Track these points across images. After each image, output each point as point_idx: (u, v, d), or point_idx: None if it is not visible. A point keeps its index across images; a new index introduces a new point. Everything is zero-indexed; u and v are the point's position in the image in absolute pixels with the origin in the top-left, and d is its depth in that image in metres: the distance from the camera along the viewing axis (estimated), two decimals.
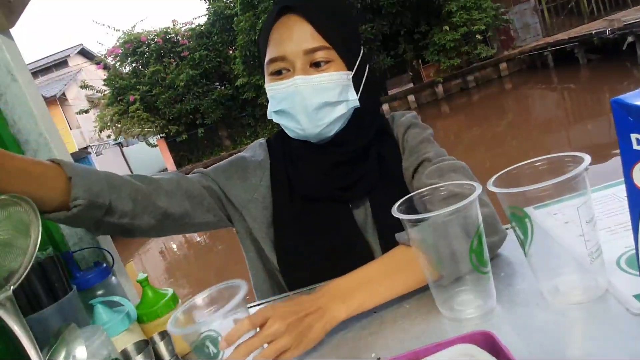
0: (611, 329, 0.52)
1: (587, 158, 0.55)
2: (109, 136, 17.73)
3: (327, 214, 0.91)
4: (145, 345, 0.70)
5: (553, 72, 12.22)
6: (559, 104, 8.71)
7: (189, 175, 0.97)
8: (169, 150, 16.81)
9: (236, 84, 15.18)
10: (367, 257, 0.87)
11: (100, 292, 0.84)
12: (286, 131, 0.92)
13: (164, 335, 0.75)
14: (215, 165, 1.01)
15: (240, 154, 1.04)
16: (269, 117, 0.93)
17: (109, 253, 0.89)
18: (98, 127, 16.64)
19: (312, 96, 0.84)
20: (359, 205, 0.93)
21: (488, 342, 0.47)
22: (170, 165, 16.84)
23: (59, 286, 0.68)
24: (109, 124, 16.35)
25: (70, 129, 19.38)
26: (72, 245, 0.91)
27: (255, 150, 1.04)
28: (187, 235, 9.53)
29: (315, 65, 0.85)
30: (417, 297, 0.72)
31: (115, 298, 0.77)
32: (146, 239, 10.27)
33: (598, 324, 0.54)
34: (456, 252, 0.61)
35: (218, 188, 0.96)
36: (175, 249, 8.56)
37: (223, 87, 16.47)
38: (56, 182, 0.68)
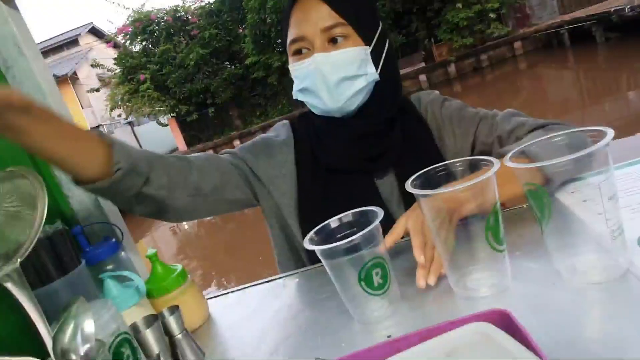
0: (632, 310, 0.50)
1: (610, 132, 0.52)
2: (119, 115, 17.80)
3: (351, 186, 0.93)
4: (154, 319, 0.69)
5: (569, 51, 11.93)
6: (575, 84, 8.52)
7: (223, 155, 1.01)
8: (179, 130, 16.83)
9: (246, 62, 15.07)
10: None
11: (109, 267, 0.84)
12: (311, 108, 0.96)
13: (174, 310, 0.74)
14: (241, 145, 1.05)
15: (264, 134, 1.07)
16: (294, 97, 0.96)
17: (118, 228, 0.89)
18: (109, 106, 16.68)
19: (331, 72, 0.87)
20: (384, 178, 0.95)
21: (504, 321, 0.45)
22: (181, 145, 16.88)
23: (68, 260, 0.67)
24: (119, 103, 16.37)
25: (82, 108, 19.48)
26: (82, 220, 0.91)
27: (279, 130, 1.07)
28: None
29: (333, 41, 0.88)
30: None
31: (125, 273, 0.76)
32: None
33: (618, 304, 0.52)
34: (470, 229, 0.59)
35: (245, 165, 0.99)
36: (187, 228, 8.64)
37: (233, 67, 16.36)
38: (98, 149, 0.70)
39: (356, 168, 0.94)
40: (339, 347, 0.62)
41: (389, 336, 0.61)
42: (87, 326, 0.55)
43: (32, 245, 0.55)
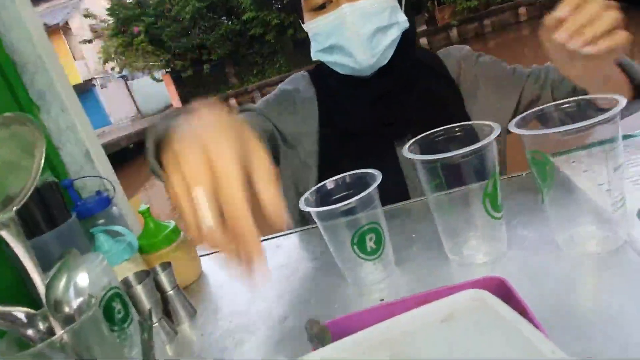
0: (628, 282, 0.50)
1: (622, 101, 0.50)
2: (113, 68, 17.43)
3: (370, 150, 0.89)
4: (146, 275, 0.69)
5: None
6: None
7: (245, 116, 0.90)
8: (174, 86, 16.56)
9: (243, 18, 14.67)
10: (404, 197, 0.87)
11: (101, 222, 0.83)
12: (336, 68, 0.87)
13: (166, 266, 0.74)
14: (263, 100, 0.98)
15: (283, 86, 1.00)
16: (314, 59, 0.88)
17: (110, 183, 0.87)
18: (102, 58, 16.31)
19: (363, 23, 0.79)
20: (404, 142, 0.90)
21: (500, 288, 0.45)
22: (176, 101, 16.65)
23: (58, 213, 0.66)
24: (113, 55, 16.01)
25: (75, 60, 19.03)
26: (73, 174, 0.89)
27: (299, 82, 1.00)
28: None
29: None
30: (425, 240, 0.71)
31: (117, 228, 0.75)
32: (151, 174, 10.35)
33: (614, 275, 0.52)
34: (467, 196, 0.58)
35: (270, 124, 0.94)
36: None
37: (230, 22, 15.94)
38: None
39: (375, 132, 0.89)
40: (332, 309, 0.62)
41: (382, 299, 0.61)
42: (81, 279, 0.54)
43: (29, 193, 0.53)
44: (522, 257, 0.59)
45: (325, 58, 0.86)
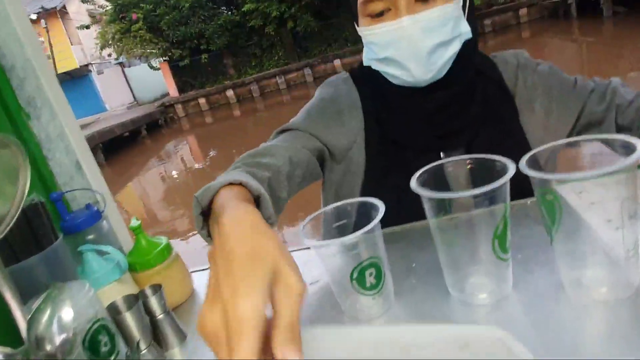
0: (639, 334, 0.48)
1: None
2: (110, 55, 17.23)
3: (416, 162, 0.80)
4: (135, 300, 0.66)
5: (575, 22, 11.68)
6: (577, 57, 8.39)
7: (292, 140, 0.87)
8: (171, 75, 16.41)
9: (243, 9, 14.53)
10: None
11: (90, 237, 0.80)
12: (389, 78, 0.82)
13: (157, 289, 0.71)
14: (306, 112, 0.92)
15: (323, 93, 0.93)
16: (365, 64, 0.83)
17: (101, 195, 0.84)
18: (99, 44, 16.11)
19: (423, 38, 0.73)
20: (453, 156, 0.84)
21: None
22: (173, 91, 16.51)
23: (44, 234, 0.63)
24: (110, 42, 15.81)
25: (71, 45, 18.81)
26: (63, 185, 0.86)
27: (340, 87, 0.93)
28: (187, 162, 9.58)
29: (421, 0, 0.73)
30: (426, 271, 0.68)
31: (106, 248, 0.72)
32: (147, 162, 10.30)
33: (624, 326, 0.50)
34: (476, 235, 0.56)
35: (320, 143, 0.89)
36: (175, 176, 8.58)
37: (230, 13, 15.79)
38: None
39: (427, 145, 0.84)
40: None
41: None
42: (65, 314, 0.51)
43: (13, 221, 0.50)
44: (527, 299, 0.57)
45: (380, 68, 0.81)
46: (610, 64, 7.22)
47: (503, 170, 0.54)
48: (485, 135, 0.83)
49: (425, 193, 0.54)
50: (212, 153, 9.47)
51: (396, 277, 0.68)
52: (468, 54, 0.80)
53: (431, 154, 0.84)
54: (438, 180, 0.61)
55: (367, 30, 0.78)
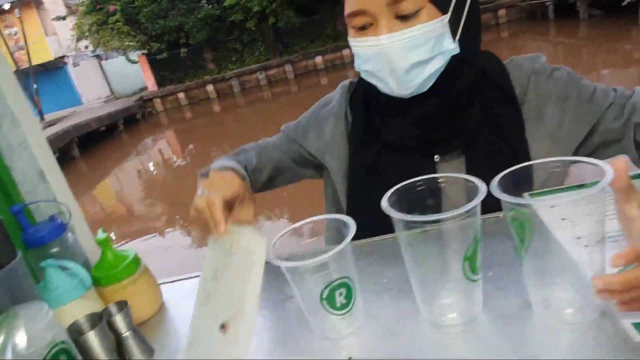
0: (605, 357, 0.48)
1: (610, 172, 0.48)
2: (86, 47, 16.83)
3: (406, 165, 0.82)
4: (99, 319, 0.64)
5: (552, 24, 11.89)
6: (553, 59, 8.53)
7: (276, 140, 1.01)
8: (150, 68, 16.12)
9: (224, 4, 14.36)
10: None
11: (54, 250, 0.77)
12: (377, 86, 0.82)
13: (122, 306, 0.69)
14: (300, 117, 1.02)
15: (320, 100, 1.01)
16: (356, 70, 0.84)
17: (66, 207, 0.81)
18: (75, 36, 15.71)
19: (400, 57, 0.73)
20: (450, 160, 0.83)
21: None
22: (151, 85, 16.22)
23: (2, 252, 0.60)
24: (87, 34, 15.43)
25: (46, 36, 18.30)
26: (26, 194, 0.83)
27: (335, 94, 0.98)
28: (165, 156, 9.44)
29: (402, 17, 0.72)
30: (397, 288, 0.68)
31: (69, 264, 0.70)
32: (124, 157, 10.12)
33: (591, 349, 0.50)
34: (447, 257, 0.55)
35: (299, 147, 0.98)
36: (154, 170, 8.45)
37: (210, 7, 15.56)
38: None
39: (419, 149, 0.84)
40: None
41: (349, 358, 0.57)
42: (20, 340, 0.49)
43: None
44: (496, 319, 0.57)
45: (365, 77, 0.82)
46: (586, 64, 7.37)
47: (474, 192, 0.54)
48: (483, 140, 0.81)
49: (394, 214, 0.54)
50: (191, 148, 9.36)
51: (367, 293, 0.67)
52: (458, 68, 0.78)
53: (424, 158, 0.84)
54: (429, 190, 0.60)
55: (352, 42, 0.79)
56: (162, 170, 8.37)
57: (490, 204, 0.54)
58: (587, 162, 0.52)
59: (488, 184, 0.53)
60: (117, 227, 5.47)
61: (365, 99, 0.91)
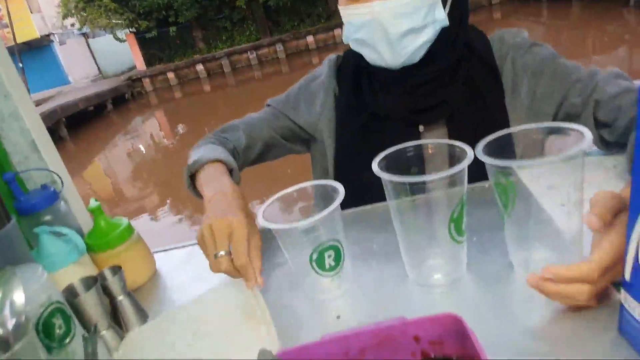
0: (584, 315, 0.50)
1: (589, 135, 0.50)
2: (73, 25, 16.48)
3: (392, 134, 0.82)
4: (93, 282, 0.65)
5: (544, 4, 11.83)
6: (545, 40, 8.53)
7: (264, 116, 0.99)
8: (138, 47, 15.85)
9: None
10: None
11: (47, 218, 0.78)
12: (366, 58, 0.83)
13: (116, 271, 0.70)
14: (287, 92, 1.01)
15: (308, 75, 1.02)
16: (344, 42, 0.85)
17: (58, 176, 0.81)
18: (61, 13, 15.36)
19: (393, 23, 0.74)
20: (433, 129, 0.86)
21: (456, 325, 0.44)
22: (140, 64, 15.97)
23: None
24: (73, 11, 15.10)
25: (31, 13, 17.86)
26: (17, 164, 0.83)
27: (323, 68, 0.99)
28: (156, 138, 9.36)
29: None
30: (385, 253, 0.70)
31: (63, 230, 0.71)
32: (113, 137, 10.02)
33: (569, 308, 0.52)
34: (433, 219, 0.57)
35: (289, 122, 0.98)
36: (143, 151, 8.39)
37: None
38: None
39: (405, 118, 0.86)
40: (286, 323, 0.60)
41: (338, 316, 0.60)
42: (17, 297, 0.50)
43: None
44: (480, 279, 0.60)
45: (355, 47, 0.83)
46: (577, 46, 7.38)
47: (462, 156, 0.55)
48: (465, 112, 0.84)
49: (385, 176, 0.55)
50: (180, 129, 9.29)
51: (356, 258, 0.69)
52: (447, 41, 0.80)
53: (409, 127, 0.86)
54: (414, 158, 0.62)
55: (343, 10, 0.80)
56: (152, 150, 8.31)
57: (474, 175, 0.56)
58: (567, 127, 0.54)
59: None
60: (107, 208, 5.45)
61: (354, 72, 0.92)
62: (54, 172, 0.81)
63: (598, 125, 0.78)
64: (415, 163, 0.63)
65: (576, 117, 0.81)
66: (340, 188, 0.61)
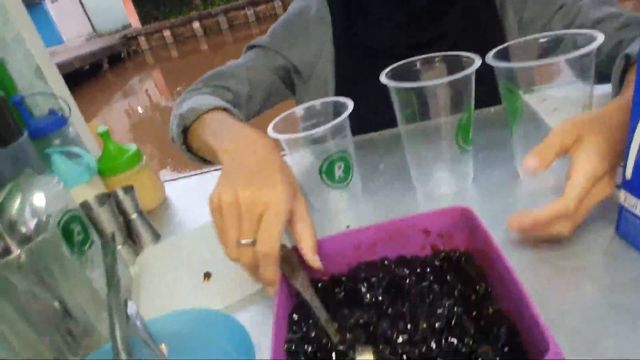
0: (592, 213, 0.52)
1: (600, 37, 0.50)
2: None
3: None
4: (106, 198, 0.67)
5: None
6: None
7: (256, 59, 0.88)
8: (133, 4, 15.42)
9: None
10: None
11: (56, 142, 0.79)
12: None
13: (128, 190, 0.72)
14: (273, 28, 0.91)
15: (294, 6, 0.92)
16: None
17: (65, 102, 0.81)
18: None
19: None
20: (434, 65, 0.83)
21: (465, 217, 0.46)
22: (135, 21, 15.59)
23: (8, 130, 0.61)
24: None
25: None
26: (22, 90, 0.82)
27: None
28: (154, 99, 9.25)
29: None
30: (393, 171, 0.71)
31: (74, 149, 0.72)
32: (110, 96, 9.91)
33: None
34: (441, 128, 0.58)
35: (284, 60, 0.89)
36: (141, 111, 8.32)
37: None
38: None
39: (400, 52, 0.79)
40: None
41: (348, 226, 0.61)
42: (37, 199, 0.52)
43: None
44: (486, 191, 0.61)
45: None
46: None
47: (469, 64, 0.55)
48: (464, 45, 0.78)
49: (391, 84, 0.55)
50: (179, 90, 9.18)
51: (364, 177, 0.70)
52: None
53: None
54: (421, 72, 0.62)
55: None
56: (150, 111, 8.24)
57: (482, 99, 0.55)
58: (575, 34, 0.54)
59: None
60: None
61: (345, 2, 0.87)
62: (61, 98, 0.81)
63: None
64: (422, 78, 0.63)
65: (559, 42, 0.79)
66: (350, 102, 0.61)
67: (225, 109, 0.67)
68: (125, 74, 12.51)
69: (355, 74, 0.86)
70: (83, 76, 11.73)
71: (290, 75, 0.91)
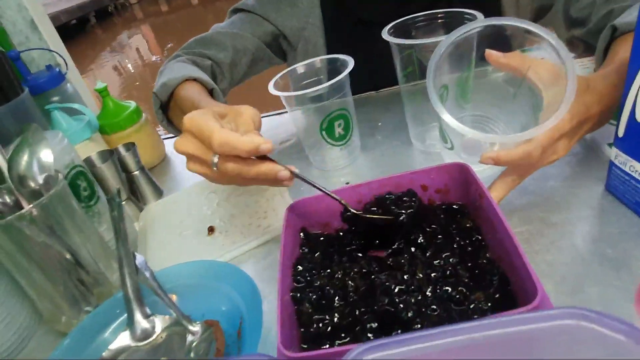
0: (582, 170, 0.54)
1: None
2: None
3: (382, 43, 0.78)
4: (109, 154, 0.68)
5: None
6: None
7: (241, 24, 0.85)
8: None
9: None
10: None
11: (55, 99, 0.78)
12: None
13: (129, 146, 0.73)
14: None
15: None
16: None
17: (62, 57, 0.81)
18: None
19: None
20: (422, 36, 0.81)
21: (463, 172, 0.47)
22: None
23: (9, 86, 0.61)
24: None
25: None
26: (18, 45, 0.81)
27: None
28: (144, 56, 9.03)
29: None
30: (391, 129, 0.72)
31: (74, 105, 0.72)
32: (99, 54, 9.66)
33: (569, 164, 0.56)
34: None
35: (271, 26, 0.86)
36: (132, 69, 8.14)
37: None
38: None
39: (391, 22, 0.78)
40: (298, 192, 0.64)
41: (347, 183, 0.63)
42: (44, 155, 0.52)
43: None
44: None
45: None
46: None
47: (471, 20, 0.55)
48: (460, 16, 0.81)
49: (393, 40, 0.56)
50: (170, 47, 8.95)
51: (363, 135, 0.72)
52: None
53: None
54: (422, 29, 0.62)
55: None
56: (140, 68, 8.06)
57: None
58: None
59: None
60: None
61: None
62: (58, 53, 0.80)
63: (571, 22, 0.76)
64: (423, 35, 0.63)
65: (549, 8, 0.80)
66: (350, 60, 0.61)
67: (194, 79, 0.68)
68: (114, 29, 12.10)
69: (347, 44, 0.82)
70: (71, 31, 11.35)
71: (278, 41, 0.89)
